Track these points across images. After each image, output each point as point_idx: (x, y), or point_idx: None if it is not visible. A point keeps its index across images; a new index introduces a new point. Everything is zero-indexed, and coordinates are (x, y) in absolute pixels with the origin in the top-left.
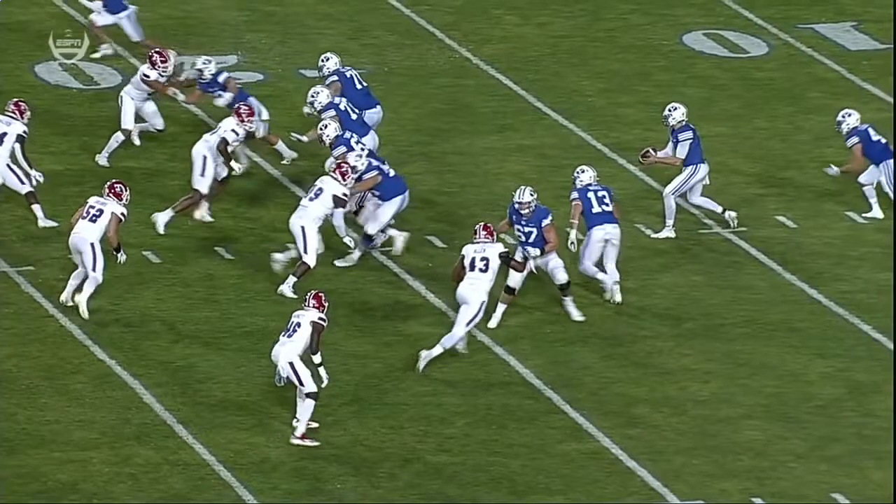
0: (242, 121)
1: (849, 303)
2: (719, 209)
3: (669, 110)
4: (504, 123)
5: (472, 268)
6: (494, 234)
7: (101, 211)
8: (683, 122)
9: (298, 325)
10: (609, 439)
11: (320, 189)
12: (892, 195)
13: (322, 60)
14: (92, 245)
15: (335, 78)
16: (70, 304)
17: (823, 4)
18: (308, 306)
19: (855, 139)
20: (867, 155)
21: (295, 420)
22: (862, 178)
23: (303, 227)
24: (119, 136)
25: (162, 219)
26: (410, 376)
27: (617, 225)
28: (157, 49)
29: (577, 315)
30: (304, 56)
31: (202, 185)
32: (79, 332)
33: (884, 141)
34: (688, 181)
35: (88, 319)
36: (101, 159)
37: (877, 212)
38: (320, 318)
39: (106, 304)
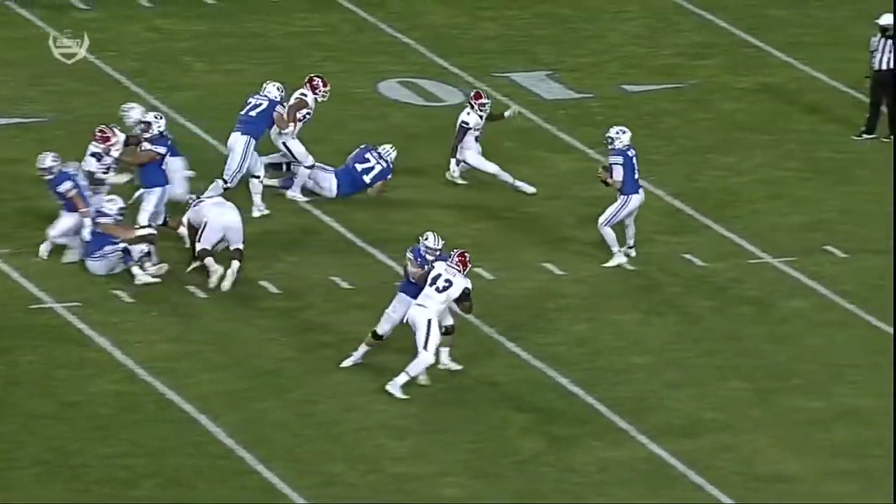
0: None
1: (547, 355)
2: (622, 247)
3: (618, 133)
4: (193, 172)
5: (433, 283)
6: (468, 266)
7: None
8: (622, 147)
9: None
10: (303, 499)
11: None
12: None
13: None
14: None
15: None
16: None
17: (518, 53)
18: None
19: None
20: None
21: None
22: None
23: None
24: (305, 172)
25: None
26: (96, 436)
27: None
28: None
29: (454, 366)
30: None
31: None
32: None
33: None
34: (620, 210)
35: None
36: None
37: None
38: None
39: None
